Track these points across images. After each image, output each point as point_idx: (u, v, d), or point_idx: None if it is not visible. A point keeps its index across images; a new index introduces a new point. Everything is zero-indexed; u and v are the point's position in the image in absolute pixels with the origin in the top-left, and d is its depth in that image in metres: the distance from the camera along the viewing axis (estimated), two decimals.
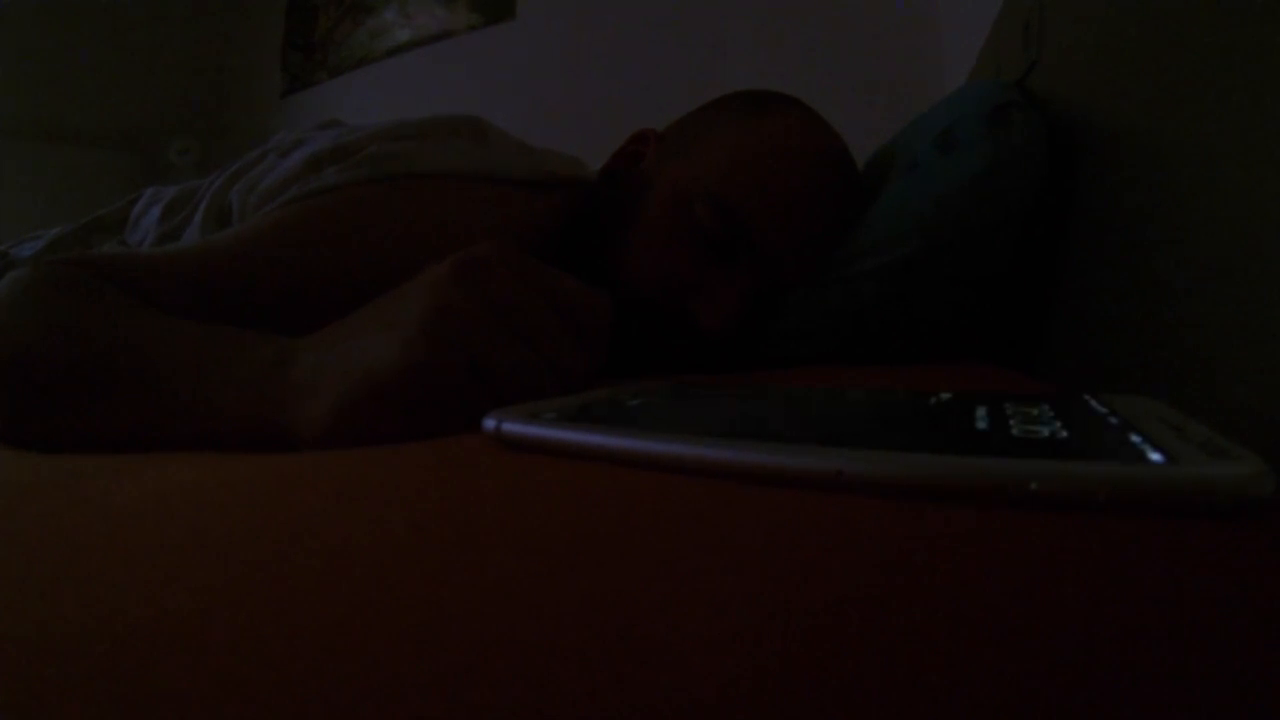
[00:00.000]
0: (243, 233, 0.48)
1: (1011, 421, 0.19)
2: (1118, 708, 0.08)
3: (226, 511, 0.18)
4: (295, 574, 0.13)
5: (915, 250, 0.49)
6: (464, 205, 0.50)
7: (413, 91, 2.42)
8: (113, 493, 0.22)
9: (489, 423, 0.23)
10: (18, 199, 2.42)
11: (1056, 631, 0.10)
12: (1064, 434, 0.17)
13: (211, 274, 0.44)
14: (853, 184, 0.55)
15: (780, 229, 0.50)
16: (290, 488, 0.20)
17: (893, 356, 0.51)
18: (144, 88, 2.86)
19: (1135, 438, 0.16)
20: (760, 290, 0.51)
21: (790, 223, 0.50)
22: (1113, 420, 0.19)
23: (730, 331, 0.50)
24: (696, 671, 0.09)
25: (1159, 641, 0.09)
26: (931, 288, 0.50)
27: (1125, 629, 0.10)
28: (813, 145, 0.53)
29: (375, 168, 0.50)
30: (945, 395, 0.24)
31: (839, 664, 0.09)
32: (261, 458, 0.26)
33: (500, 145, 0.58)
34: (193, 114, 2.96)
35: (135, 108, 2.84)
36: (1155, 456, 0.15)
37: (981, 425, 0.19)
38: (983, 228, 0.48)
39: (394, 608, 0.12)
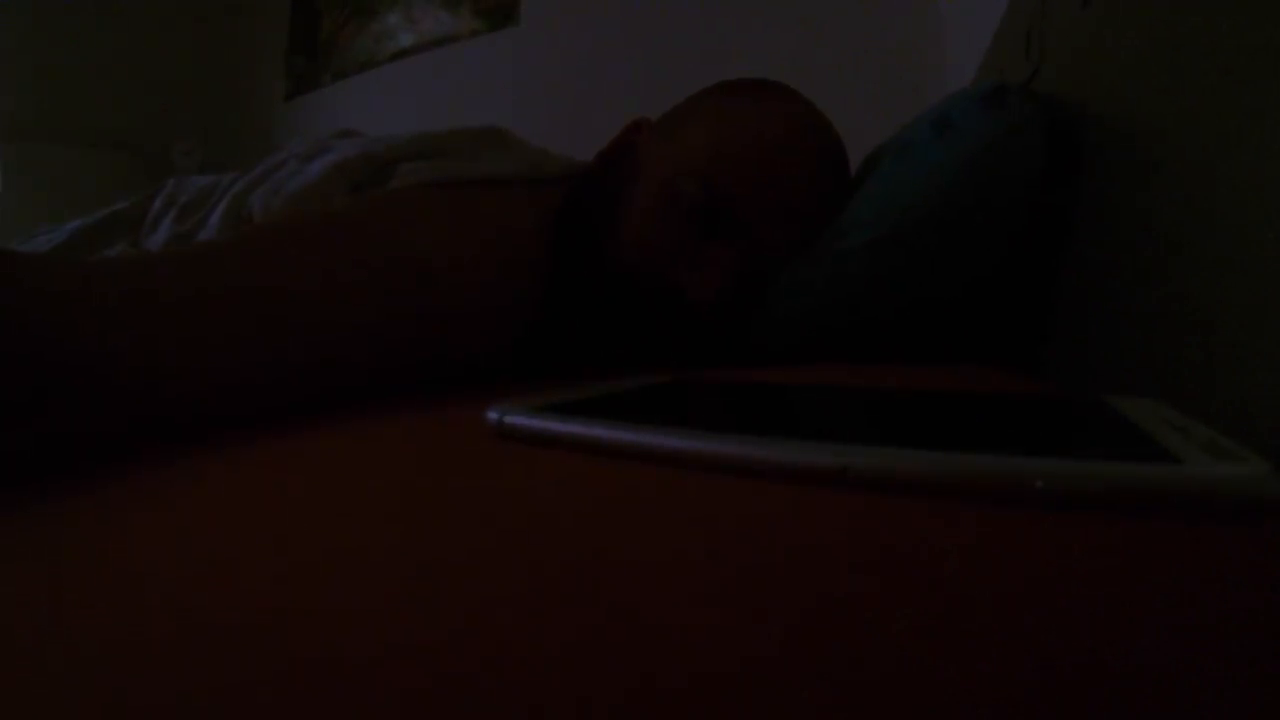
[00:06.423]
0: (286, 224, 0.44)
1: (1018, 420, 0.19)
2: (1122, 707, 0.08)
3: (217, 503, 0.18)
4: (295, 568, 0.13)
5: (904, 226, 0.48)
6: (505, 208, 0.51)
7: (416, 95, 2.43)
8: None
9: (492, 415, 0.23)
10: (20, 199, 2.43)
11: (1060, 630, 0.10)
12: (1070, 434, 0.17)
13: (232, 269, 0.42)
14: (840, 164, 0.55)
15: (763, 204, 0.50)
16: (286, 476, 0.20)
17: (887, 348, 0.50)
18: (148, 89, 2.87)
19: (1141, 439, 0.16)
20: (746, 268, 0.51)
21: (774, 198, 0.51)
22: (1119, 421, 0.19)
23: (718, 306, 0.50)
24: (698, 659, 0.09)
25: (1163, 641, 0.09)
26: (921, 268, 0.48)
27: (1129, 628, 0.10)
28: (798, 126, 0.53)
29: (439, 171, 0.51)
30: (951, 393, 0.24)
31: (839, 657, 0.09)
32: (250, 448, 0.26)
33: (521, 154, 0.59)
34: (196, 115, 2.97)
35: (139, 109, 2.85)
36: (1161, 458, 0.15)
37: (988, 423, 0.19)
38: (976, 208, 0.47)
39: (396, 598, 0.12)
